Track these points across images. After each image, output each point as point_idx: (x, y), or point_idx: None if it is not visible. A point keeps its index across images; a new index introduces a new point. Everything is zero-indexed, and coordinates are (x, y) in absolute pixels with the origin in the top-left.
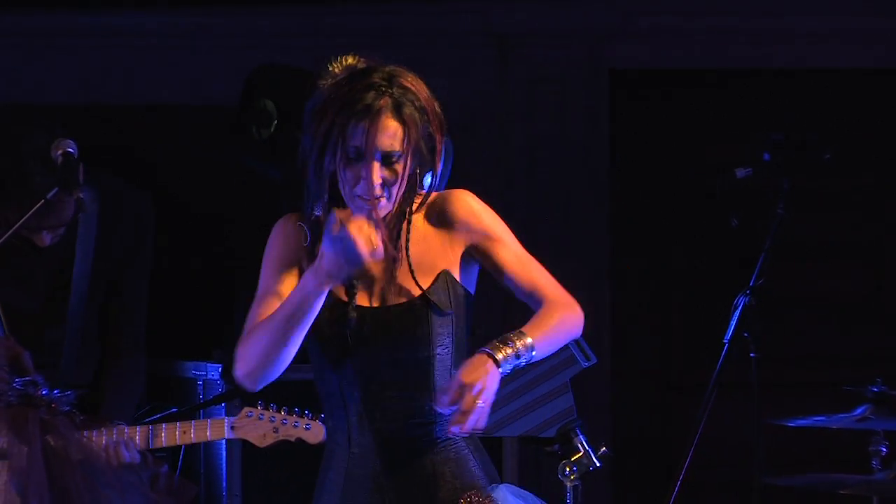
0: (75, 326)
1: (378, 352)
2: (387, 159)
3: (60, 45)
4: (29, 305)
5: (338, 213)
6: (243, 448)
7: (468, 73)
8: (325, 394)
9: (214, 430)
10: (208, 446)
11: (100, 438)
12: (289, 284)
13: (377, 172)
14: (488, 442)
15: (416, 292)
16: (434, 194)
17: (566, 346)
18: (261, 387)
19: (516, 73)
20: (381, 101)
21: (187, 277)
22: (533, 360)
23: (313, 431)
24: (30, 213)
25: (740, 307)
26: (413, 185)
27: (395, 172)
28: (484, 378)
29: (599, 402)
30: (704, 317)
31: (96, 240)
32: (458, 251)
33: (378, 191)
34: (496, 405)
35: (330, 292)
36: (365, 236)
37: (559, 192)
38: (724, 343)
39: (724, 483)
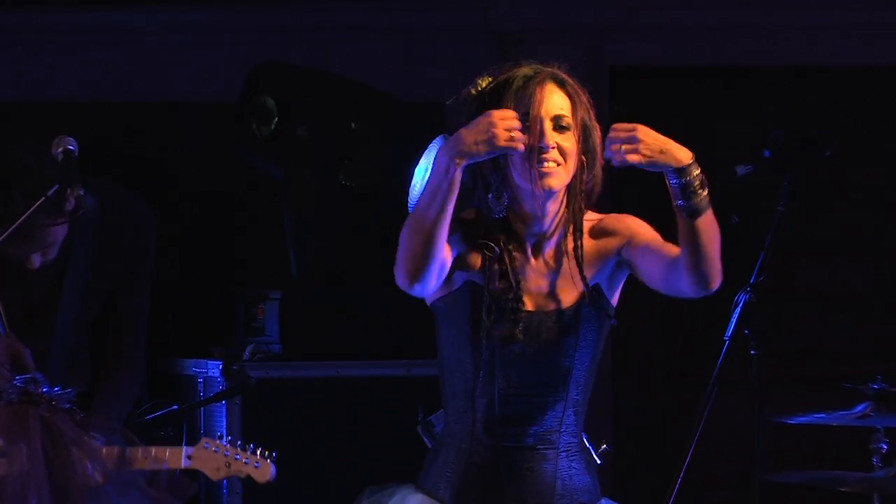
0: (63, 339)
1: (522, 355)
2: (557, 123)
3: (63, 42)
4: (15, 315)
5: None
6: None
7: (468, 69)
8: (454, 386)
9: (172, 459)
10: None
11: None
12: None
13: (550, 131)
14: None
15: (571, 302)
16: (601, 215)
17: None
18: (423, 286)
19: None
20: (542, 74)
21: (188, 275)
22: (694, 210)
23: (262, 470)
24: (31, 209)
25: (741, 304)
26: (582, 177)
27: (567, 140)
28: (661, 139)
29: (600, 400)
30: (705, 314)
31: (93, 251)
32: (611, 259)
33: (553, 153)
34: None
35: (490, 291)
36: (507, 123)
37: None
38: (725, 340)
39: (725, 480)
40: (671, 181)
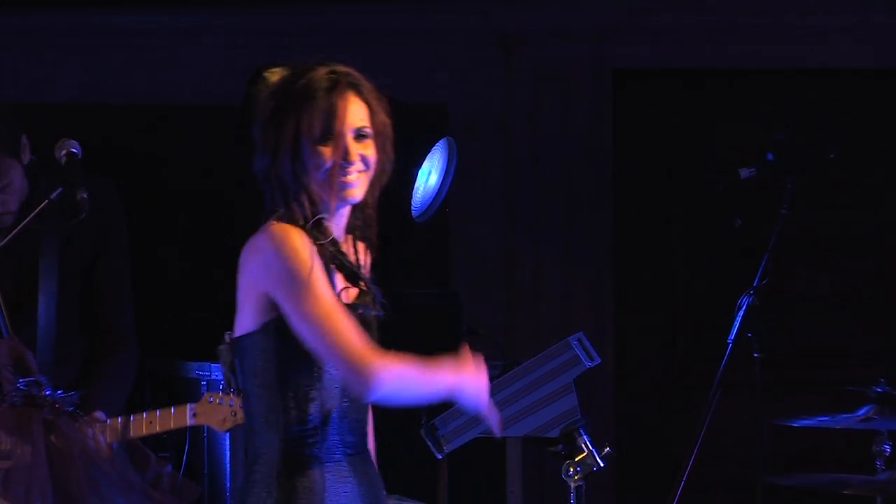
0: (47, 329)
1: None
2: (359, 135)
3: (63, 44)
4: None
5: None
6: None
7: (472, 72)
8: (296, 401)
9: (178, 417)
10: (212, 445)
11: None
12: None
13: (353, 144)
14: (492, 443)
15: (376, 305)
16: None
17: (570, 347)
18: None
19: (520, 72)
20: (341, 83)
21: (191, 277)
22: None
23: None
24: (33, 213)
25: (744, 307)
26: (377, 180)
27: (368, 148)
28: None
29: (603, 403)
30: (708, 317)
31: (64, 235)
32: None
33: (357, 164)
34: (500, 405)
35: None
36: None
37: (563, 191)
38: (728, 343)
39: (728, 482)
40: None
